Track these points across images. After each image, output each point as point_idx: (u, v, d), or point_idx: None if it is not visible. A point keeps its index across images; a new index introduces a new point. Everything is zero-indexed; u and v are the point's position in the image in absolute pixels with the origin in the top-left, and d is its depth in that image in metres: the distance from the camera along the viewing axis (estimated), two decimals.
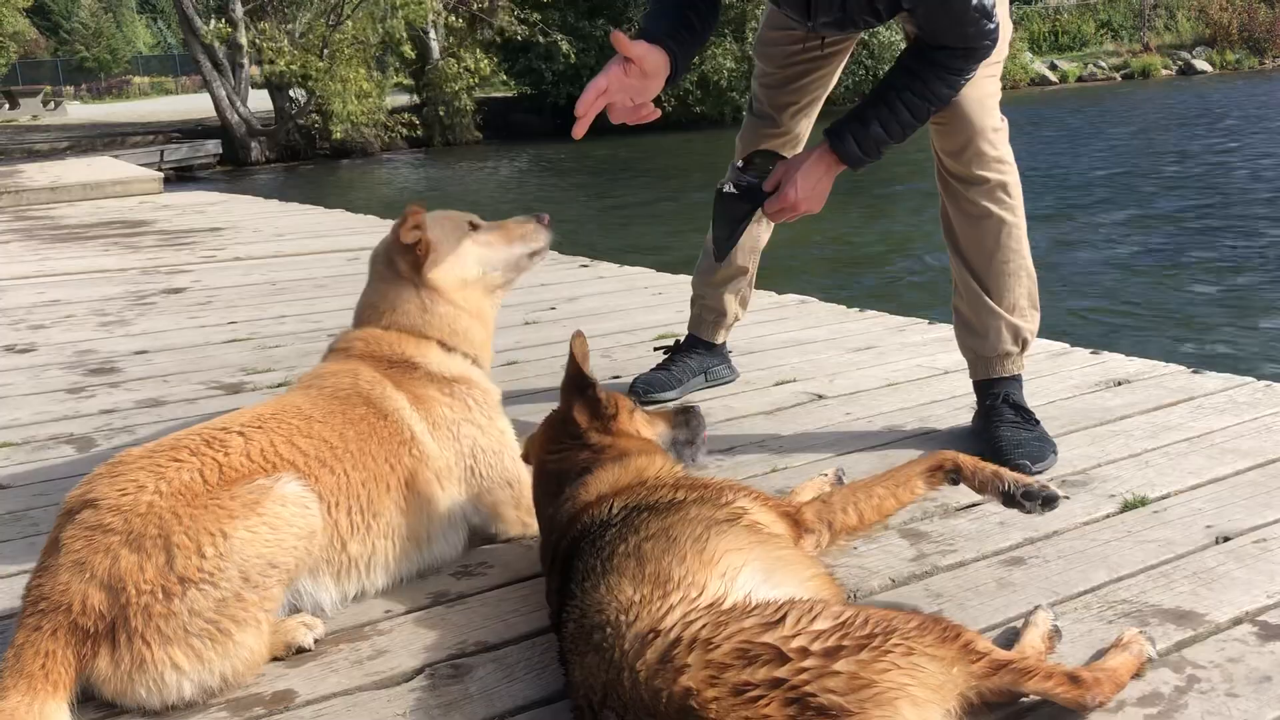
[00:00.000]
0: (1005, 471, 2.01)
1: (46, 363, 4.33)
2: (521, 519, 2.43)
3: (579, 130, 2.46)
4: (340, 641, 2.05)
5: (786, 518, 1.96)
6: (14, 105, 38.41)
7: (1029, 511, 1.99)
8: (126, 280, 6.25)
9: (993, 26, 2.48)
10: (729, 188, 2.72)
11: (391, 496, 2.21)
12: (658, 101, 2.61)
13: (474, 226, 2.51)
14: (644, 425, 2.29)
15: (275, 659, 1.97)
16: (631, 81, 2.50)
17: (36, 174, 13.27)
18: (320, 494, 2.04)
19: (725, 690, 1.38)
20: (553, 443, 2.23)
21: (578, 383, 2.23)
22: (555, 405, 2.29)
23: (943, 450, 2.09)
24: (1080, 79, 39.02)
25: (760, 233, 3.42)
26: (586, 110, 2.44)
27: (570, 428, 2.21)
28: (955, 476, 2.03)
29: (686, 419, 2.37)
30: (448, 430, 2.35)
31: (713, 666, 1.41)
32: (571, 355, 2.25)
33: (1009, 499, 1.98)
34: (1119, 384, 3.39)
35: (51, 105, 38.73)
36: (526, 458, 2.37)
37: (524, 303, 5.07)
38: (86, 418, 3.56)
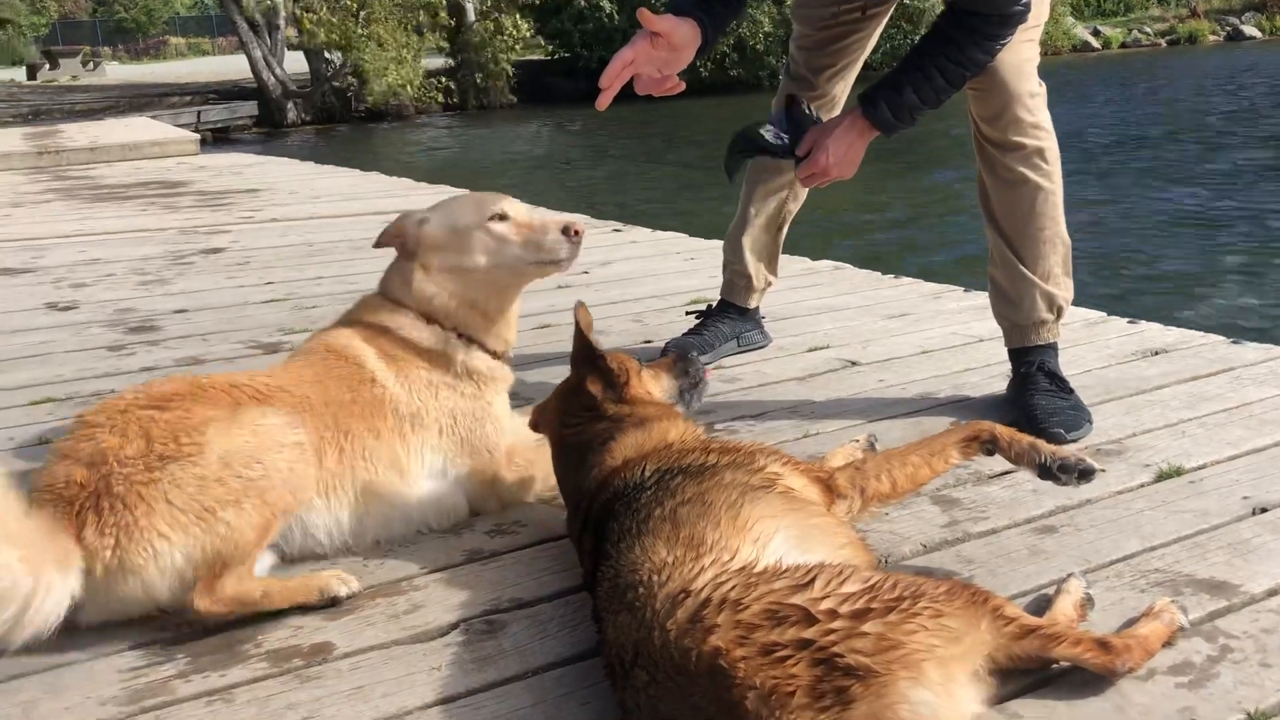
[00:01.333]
0: (1042, 443, 2.01)
1: (88, 320, 4.39)
2: (495, 490, 2.44)
3: (602, 102, 2.45)
4: (377, 596, 2.08)
5: (819, 483, 1.97)
6: (54, 66, 38.68)
7: (1064, 484, 1.98)
8: (165, 240, 6.32)
9: None
10: (766, 133, 2.70)
11: (361, 420, 2.27)
12: (693, 67, 2.60)
13: (502, 217, 2.42)
14: (652, 383, 2.32)
15: (307, 607, 2.02)
16: (659, 54, 2.49)
17: (76, 134, 13.39)
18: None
19: (753, 650, 1.39)
20: (569, 415, 2.25)
21: (587, 354, 2.26)
22: None
23: (979, 420, 2.09)
24: (1124, 45, 38.32)
25: (791, 202, 3.41)
26: (611, 82, 2.43)
27: (584, 399, 2.23)
28: (991, 447, 2.02)
29: (685, 367, 2.40)
30: (425, 388, 2.38)
31: (742, 627, 1.43)
32: (577, 326, 2.28)
33: (1045, 471, 1.97)
34: (1156, 353, 3.36)
35: (90, 66, 38.95)
36: (536, 426, 2.40)
37: None
38: (127, 375, 3.61)
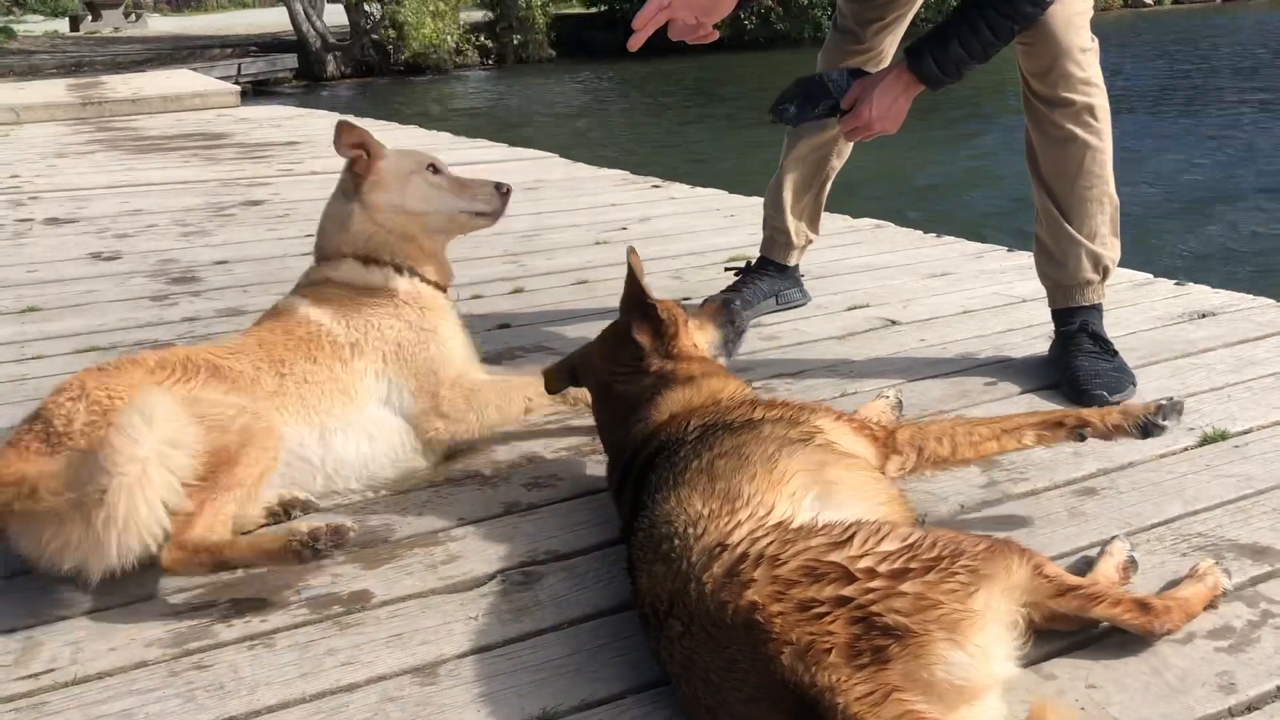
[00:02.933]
0: (1130, 405, 1.99)
1: (131, 271, 4.44)
2: (438, 409, 2.44)
3: (634, 43, 2.41)
4: (415, 546, 2.11)
5: (874, 439, 1.95)
6: (96, 17, 38.79)
7: (1166, 430, 1.96)
8: (206, 191, 6.36)
9: None
10: (829, 82, 2.66)
11: (297, 351, 2.35)
12: (735, 19, 2.56)
13: (435, 170, 2.58)
14: (698, 334, 2.30)
15: (281, 557, 1.93)
16: (700, 0, 2.44)
17: (119, 85, 13.46)
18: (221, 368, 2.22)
19: (790, 605, 1.39)
20: (616, 363, 2.24)
21: (638, 300, 2.24)
22: None
23: (1064, 408, 2.07)
24: (1177, 1, 37.34)
25: (835, 159, 3.36)
26: (644, 24, 2.40)
27: (631, 348, 2.22)
28: (1085, 432, 1.98)
29: (730, 316, 2.40)
30: (364, 322, 2.44)
31: (779, 582, 1.43)
32: (630, 271, 2.25)
33: (1146, 429, 1.96)
34: (1203, 316, 3.30)
35: (132, 18, 39.03)
36: (575, 371, 2.38)
37: (595, 222, 5.07)
38: (170, 325, 3.66)
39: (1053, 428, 1.99)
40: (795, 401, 2.00)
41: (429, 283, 2.56)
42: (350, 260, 2.53)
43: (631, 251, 2.29)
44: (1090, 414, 2.00)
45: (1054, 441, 2.02)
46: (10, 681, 1.74)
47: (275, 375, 2.28)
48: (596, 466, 2.40)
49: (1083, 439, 2.00)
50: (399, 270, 2.53)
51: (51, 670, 1.76)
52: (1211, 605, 1.76)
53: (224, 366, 2.22)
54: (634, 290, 2.25)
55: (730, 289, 3.50)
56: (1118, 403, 2.63)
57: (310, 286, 2.54)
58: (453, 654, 1.77)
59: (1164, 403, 1.97)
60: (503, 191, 2.62)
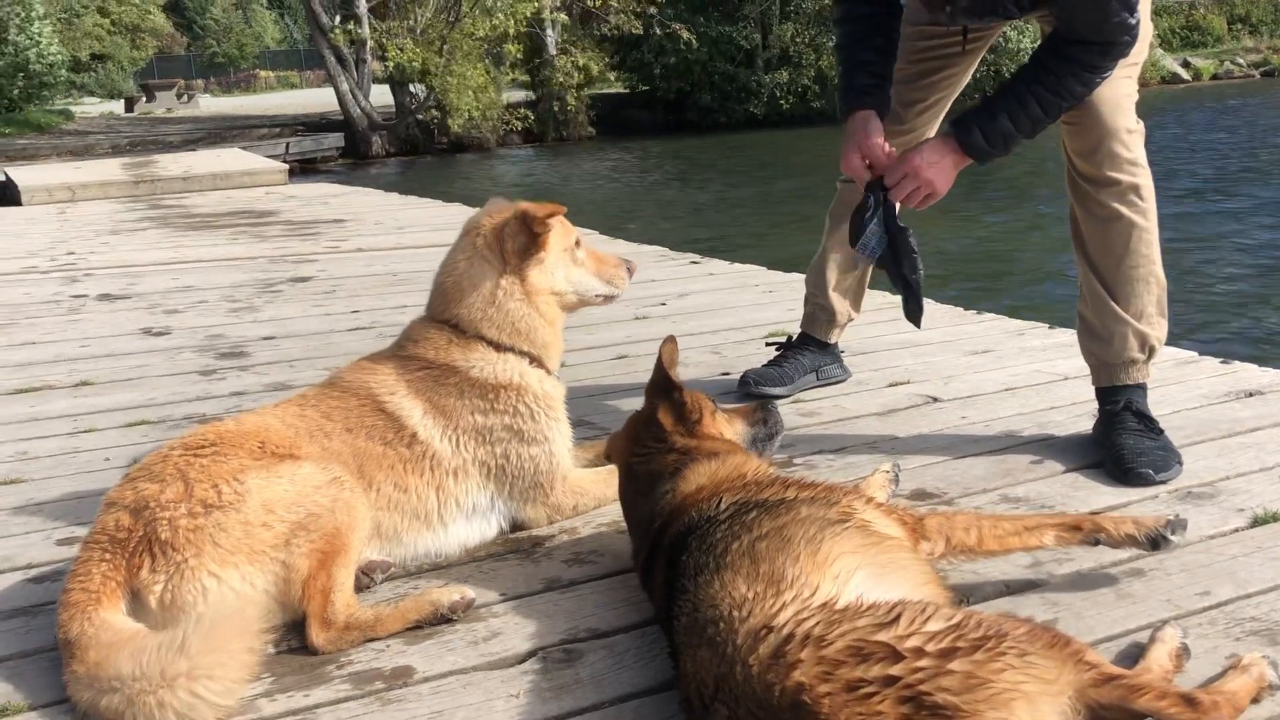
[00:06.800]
0: (1142, 518, 2.04)
1: (180, 346, 4.53)
2: (547, 514, 2.49)
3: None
4: (457, 622, 2.11)
5: (903, 524, 1.96)
6: (150, 98, 40.08)
7: (1174, 545, 2.04)
8: (255, 268, 6.49)
9: (1134, 22, 2.42)
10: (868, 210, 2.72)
11: (388, 475, 2.30)
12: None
13: (578, 243, 2.52)
14: (725, 426, 2.33)
15: (421, 624, 2.07)
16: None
17: (170, 164, 13.85)
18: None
19: (839, 686, 1.38)
20: (638, 445, 2.27)
21: (663, 386, 2.28)
22: None
23: (1084, 515, 2.11)
24: (1215, 76, 37.44)
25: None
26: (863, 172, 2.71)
27: (655, 430, 2.25)
28: (1098, 539, 2.04)
29: (764, 416, 2.41)
30: (475, 434, 2.38)
31: (826, 663, 1.42)
32: (659, 359, 2.30)
33: (1155, 543, 2.02)
34: (1250, 395, 3.26)
35: (184, 98, 40.27)
36: (609, 456, 2.41)
37: (635, 298, 5.11)
38: (217, 399, 3.72)
39: (1070, 530, 2.04)
40: (823, 482, 2.02)
41: (546, 370, 2.48)
42: (483, 348, 2.40)
43: (668, 341, 2.32)
44: (1105, 521, 2.05)
45: (1070, 543, 2.06)
46: None
47: (362, 490, 2.23)
48: None
49: (1097, 544, 2.05)
50: (532, 361, 2.44)
51: None
52: (1257, 699, 1.71)
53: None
54: (659, 376, 2.29)
55: (771, 364, 3.51)
56: (1164, 481, 2.61)
57: (425, 373, 2.38)
58: None
59: (1173, 518, 2.04)
60: (630, 274, 2.56)
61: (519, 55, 26.24)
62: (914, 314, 2.79)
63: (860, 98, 2.74)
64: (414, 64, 23.83)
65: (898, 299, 4.82)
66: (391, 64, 24.17)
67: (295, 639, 2.03)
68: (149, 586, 1.92)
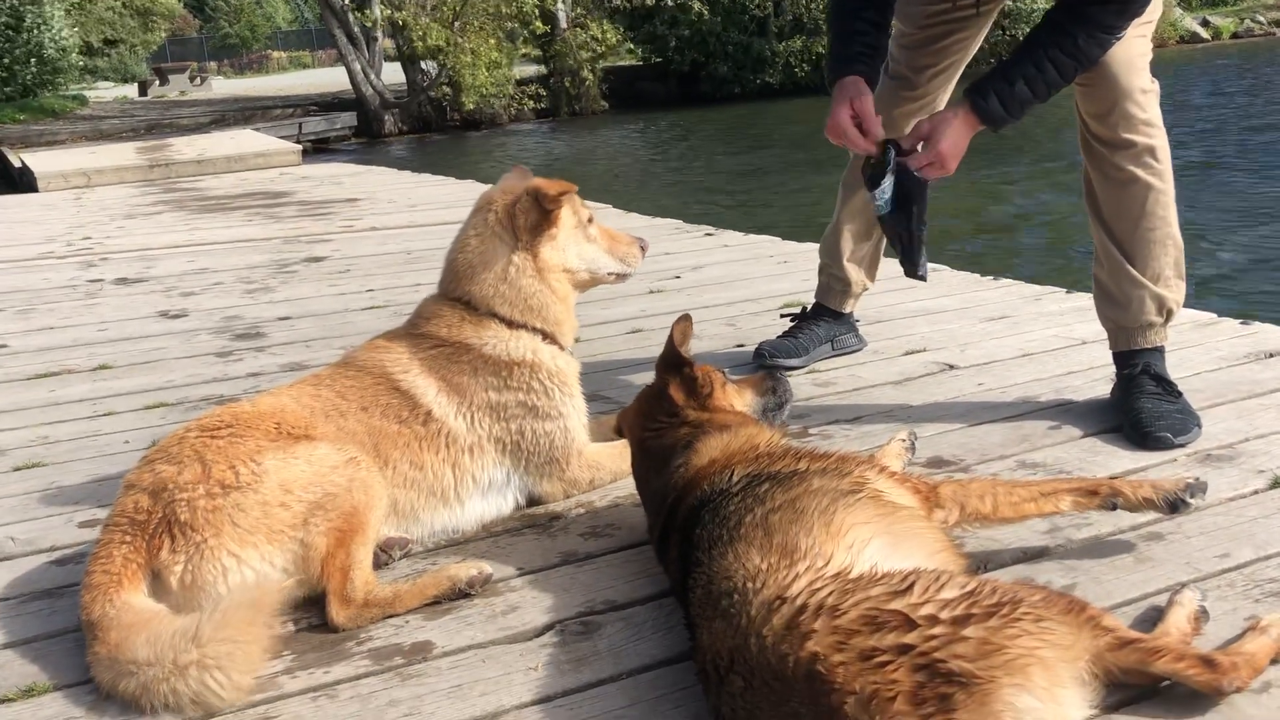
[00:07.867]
0: (1160, 481, 2.02)
1: (197, 328, 4.55)
2: (563, 489, 2.50)
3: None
4: (475, 598, 2.12)
5: (916, 492, 1.95)
6: (164, 81, 40.10)
7: (1192, 509, 2.02)
8: (270, 249, 6.51)
9: None
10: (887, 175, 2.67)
11: (404, 453, 2.30)
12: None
13: (590, 220, 2.51)
14: (735, 398, 2.33)
15: (440, 600, 2.09)
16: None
17: (184, 147, 13.89)
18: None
19: (852, 655, 1.38)
20: (649, 420, 2.27)
21: (673, 361, 2.28)
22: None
23: (1101, 478, 2.09)
24: (1235, 35, 36.88)
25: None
26: (863, 143, 2.64)
27: (666, 404, 2.26)
28: (1115, 503, 2.01)
29: (774, 386, 2.41)
30: (489, 410, 2.39)
31: (839, 632, 1.42)
32: (670, 336, 2.29)
33: (1174, 506, 2.00)
34: (1270, 356, 3.23)
35: (198, 81, 40.31)
36: (620, 430, 2.41)
37: (650, 272, 5.09)
38: (234, 380, 3.74)
39: (1088, 495, 2.02)
40: (835, 452, 2.00)
41: (561, 345, 2.48)
42: (496, 325, 2.40)
43: (681, 319, 2.32)
44: (1123, 485, 2.03)
45: (1088, 508, 2.04)
46: None
47: (378, 468, 2.23)
48: None
49: (1114, 509, 2.03)
50: (545, 338, 2.44)
51: None
52: (1276, 660, 1.70)
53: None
54: (669, 352, 2.29)
55: (785, 335, 3.50)
56: (1183, 444, 2.59)
57: (438, 351, 2.39)
58: (513, 705, 1.77)
59: (1192, 481, 2.01)
60: (643, 248, 2.56)
61: (540, 30, 26.09)
62: (915, 267, 2.77)
63: (851, 64, 2.69)
64: (426, 42, 23.74)
65: None
66: (419, 45, 24.05)
67: (315, 616, 2.05)
68: (169, 567, 1.94)
